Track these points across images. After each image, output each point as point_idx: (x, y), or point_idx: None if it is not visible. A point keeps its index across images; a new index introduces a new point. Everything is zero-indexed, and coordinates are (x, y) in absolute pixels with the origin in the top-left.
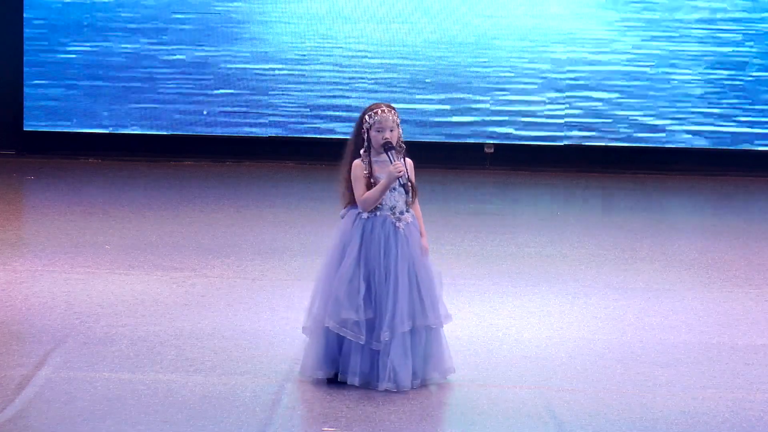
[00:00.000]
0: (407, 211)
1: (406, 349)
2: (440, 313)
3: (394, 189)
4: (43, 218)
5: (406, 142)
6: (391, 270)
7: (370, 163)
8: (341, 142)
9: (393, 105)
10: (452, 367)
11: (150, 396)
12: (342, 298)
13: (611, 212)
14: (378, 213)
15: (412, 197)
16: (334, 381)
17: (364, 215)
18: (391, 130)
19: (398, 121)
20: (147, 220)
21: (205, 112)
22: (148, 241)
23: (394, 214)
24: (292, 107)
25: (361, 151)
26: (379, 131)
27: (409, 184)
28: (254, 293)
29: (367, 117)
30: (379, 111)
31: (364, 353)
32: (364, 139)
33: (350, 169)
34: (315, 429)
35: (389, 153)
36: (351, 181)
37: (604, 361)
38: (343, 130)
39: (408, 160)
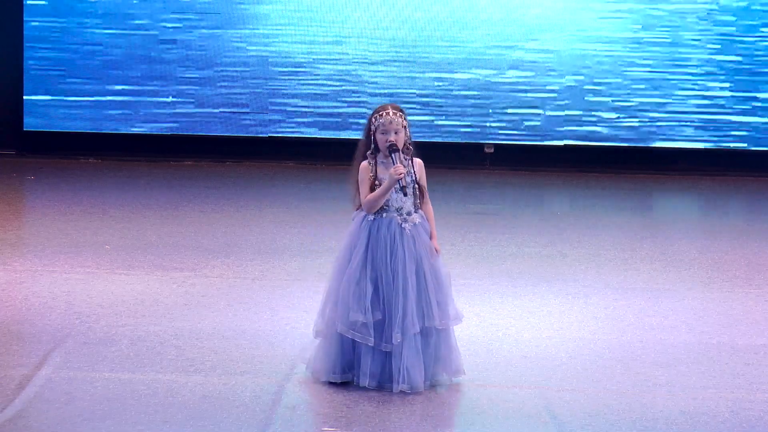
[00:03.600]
0: (416, 212)
1: (418, 350)
2: (449, 314)
3: (399, 191)
4: (43, 218)
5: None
6: (399, 271)
7: (375, 165)
8: (341, 143)
9: (401, 107)
10: (461, 369)
11: (150, 396)
12: (350, 301)
13: (611, 212)
14: (384, 214)
15: (421, 199)
16: (346, 384)
17: (370, 217)
18: (396, 133)
19: (405, 123)
20: (147, 220)
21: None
22: (148, 241)
23: (400, 215)
24: (292, 107)
25: (368, 153)
26: (384, 133)
27: (415, 186)
28: (254, 293)
29: (373, 119)
30: (384, 113)
31: (375, 355)
32: (371, 140)
33: (359, 171)
34: (315, 429)
35: (393, 155)
36: (359, 183)
37: (604, 361)
38: (343, 131)
39: (418, 161)
